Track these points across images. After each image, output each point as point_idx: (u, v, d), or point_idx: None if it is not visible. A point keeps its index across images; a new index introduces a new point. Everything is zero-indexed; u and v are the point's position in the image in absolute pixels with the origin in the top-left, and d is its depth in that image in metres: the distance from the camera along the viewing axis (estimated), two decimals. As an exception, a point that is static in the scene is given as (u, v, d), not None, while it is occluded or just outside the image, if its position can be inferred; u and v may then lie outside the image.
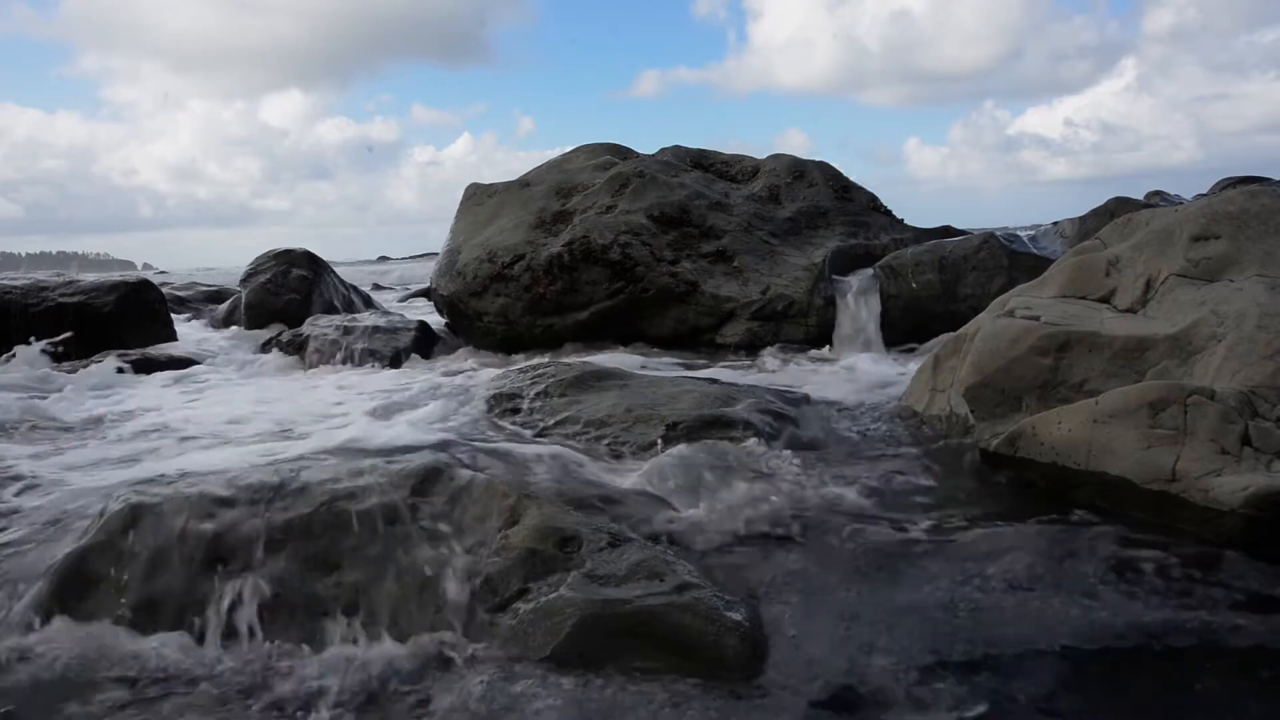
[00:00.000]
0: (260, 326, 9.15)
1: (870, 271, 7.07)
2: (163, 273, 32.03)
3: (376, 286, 17.19)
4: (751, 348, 6.82)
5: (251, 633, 2.36)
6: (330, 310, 9.73)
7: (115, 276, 9.50)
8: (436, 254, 9.13)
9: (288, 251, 10.15)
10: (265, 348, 7.86)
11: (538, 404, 4.44)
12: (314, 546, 2.62)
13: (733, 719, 1.93)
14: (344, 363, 7.17)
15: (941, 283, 6.76)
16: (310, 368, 7.20)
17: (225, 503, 2.74)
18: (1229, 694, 1.94)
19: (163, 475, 3.16)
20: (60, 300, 8.02)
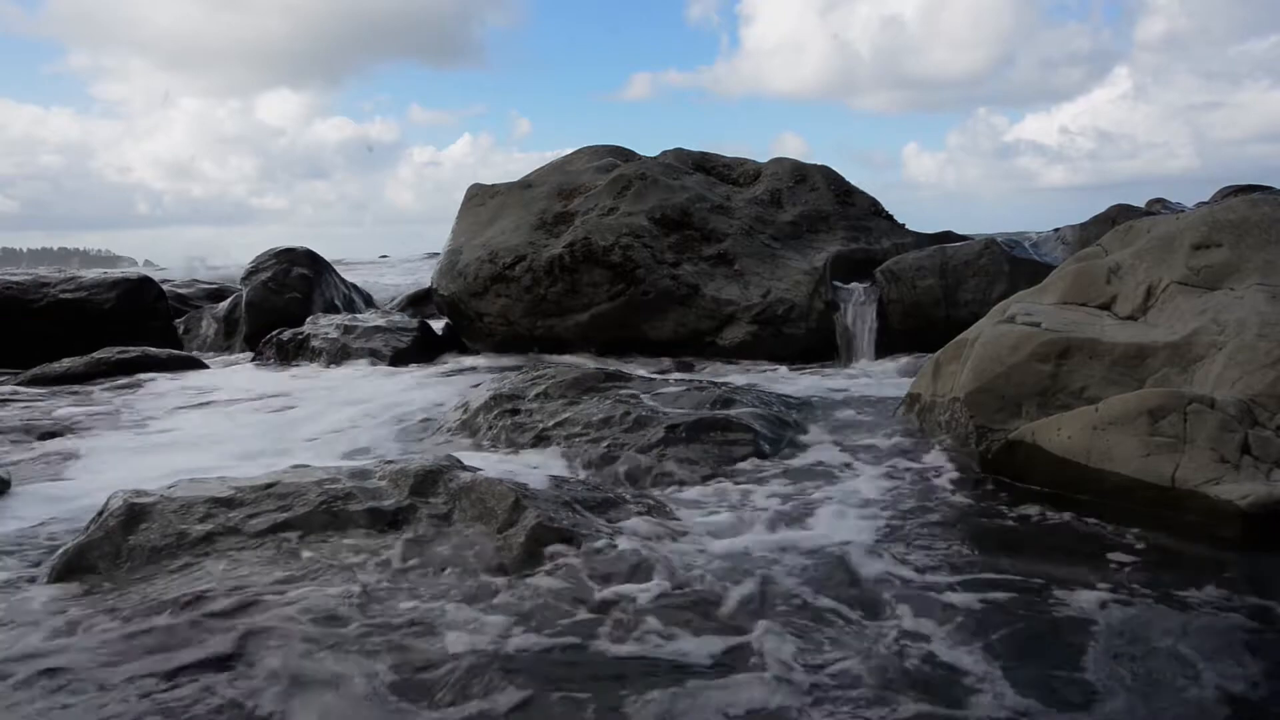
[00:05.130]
0: (261, 325, 9.11)
1: (872, 278, 7.08)
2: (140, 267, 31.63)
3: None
4: (752, 350, 6.82)
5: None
6: (331, 309, 9.72)
7: (116, 273, 9.50)
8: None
9: (289, 250, 10.12)
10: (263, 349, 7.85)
11: (537, 405, 4.44)
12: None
13: None
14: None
15: (942, 288, 6.76)
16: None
17: (224, 501, 2.74)
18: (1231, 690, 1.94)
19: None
20: (61, 296, 8.02)
